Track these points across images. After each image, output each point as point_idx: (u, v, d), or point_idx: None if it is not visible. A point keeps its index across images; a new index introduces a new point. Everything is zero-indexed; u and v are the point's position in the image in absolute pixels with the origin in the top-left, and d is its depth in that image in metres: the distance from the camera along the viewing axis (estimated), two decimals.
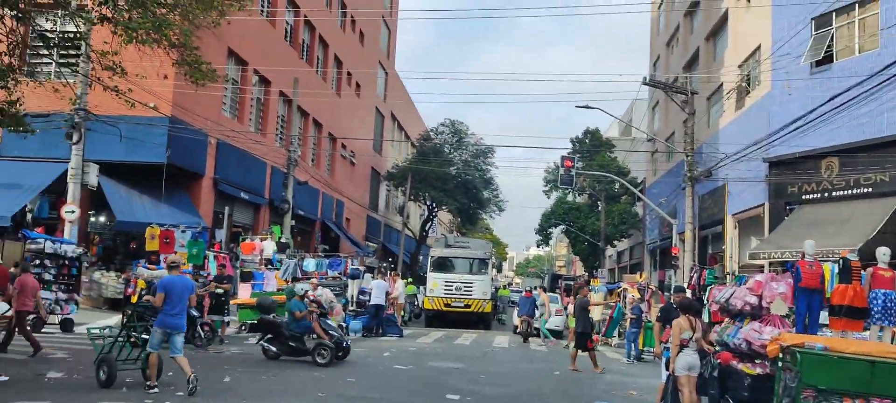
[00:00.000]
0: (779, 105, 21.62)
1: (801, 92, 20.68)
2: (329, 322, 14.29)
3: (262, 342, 13.72)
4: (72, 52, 17.81)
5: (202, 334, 14.98)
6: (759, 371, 8.74)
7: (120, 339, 9.88)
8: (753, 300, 9.21)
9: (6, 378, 9.58)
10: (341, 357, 13.51)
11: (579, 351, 14.90)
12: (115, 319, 17.40)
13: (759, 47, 24.20)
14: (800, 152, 20.39)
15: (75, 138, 18.89)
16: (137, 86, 15.07)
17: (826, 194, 20.07)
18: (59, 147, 19.94)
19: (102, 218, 23.11)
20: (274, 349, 13.50)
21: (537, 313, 23.25)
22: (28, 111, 14.38)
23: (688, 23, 35.59)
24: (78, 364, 11.21)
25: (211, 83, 14.19)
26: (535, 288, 28.06)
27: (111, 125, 18.97)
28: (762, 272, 13.65)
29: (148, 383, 9.31)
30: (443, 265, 27.30)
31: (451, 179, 43.34)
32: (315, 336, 13.40)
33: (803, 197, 20.78)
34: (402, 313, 25.57)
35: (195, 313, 14.78)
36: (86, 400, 8.29)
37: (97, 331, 9.95)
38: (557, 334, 23.35)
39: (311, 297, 14.95)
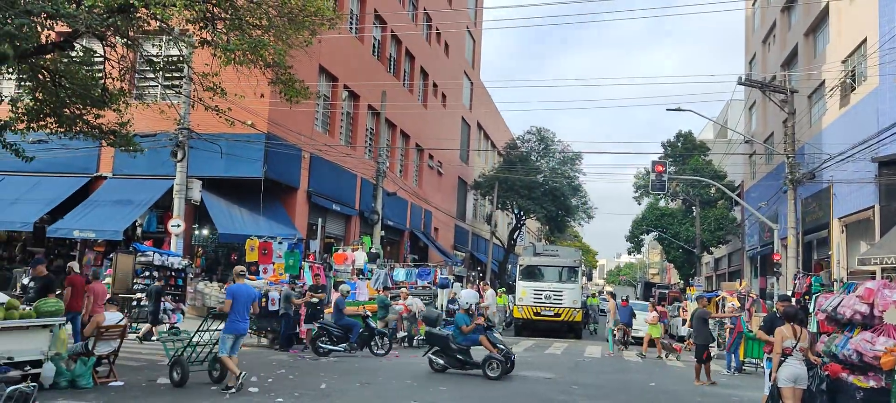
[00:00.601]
0: (888, 101, 20.31)
1: None
2: (495, 335, 14.19)
3: (429, 355, 13.76)
4: (176, 74, 18.89)
5: (378, 342, 16.11)
6: (872, 383, 8.22)
7: (192, 343, 10.59)
8: (864, 308, 8.66)
9: (122, 382, 10.22)
10: (509, 370, 13.25)
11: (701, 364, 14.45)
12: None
13: (864, 40, 22.83)
14: None
15: (179, 156, 19.99)
16: (236, 104, 15.81)
17: None
18: (165, 165, 21.16)
19: (206, 231, 24.30)
20: (441, 362, 13.49)
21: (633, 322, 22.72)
22: (137, 131, 15.35)
23: (785, 18, 34.01)
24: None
25: (304, 100, 14.69)
26: (601, 293, 27.39)
27: (212, 142, 19.97)
28: (873, 278, 12.84)
29: (227, 384, 9.97)
30: (531, 273, 27.08)
31: (538, 187, 43.02)
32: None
33: None
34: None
35: (372, 324, 16.13)
36: None
37: (166, 334, 10.58)
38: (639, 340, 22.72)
39: (475, 311, 15.17)
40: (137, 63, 16.01)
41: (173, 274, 17.62)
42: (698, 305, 16.06)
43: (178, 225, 20.10)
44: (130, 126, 14.35)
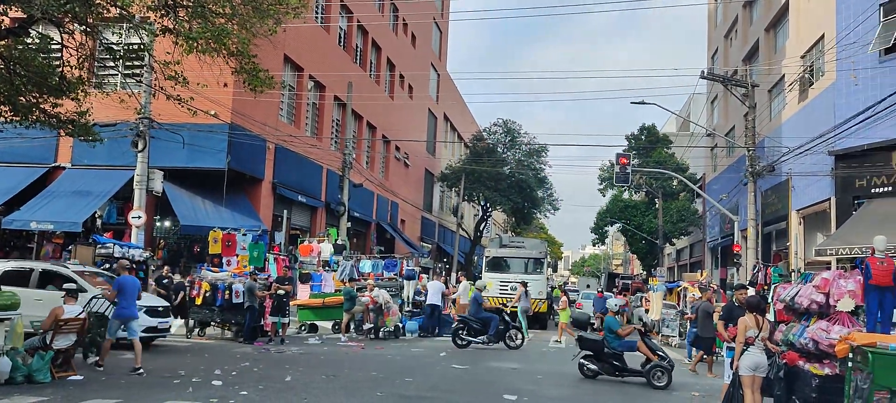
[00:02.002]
0: (845, 96, 20.83)
1: (868, 81, 19.89)
2: (652, 341, 13.41)
3: (579, 359, 13.04)
4: (136, 63, 18.49)
5: (512, 335, 16.88)
6: (827, 371, 8.46)
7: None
8: (820, 298, 8.90)
9: (81, 376, 10.02)
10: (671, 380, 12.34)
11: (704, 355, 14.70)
12: (180, 320, 17.98)
13: (822, 37, 23.36)
14: (868, 144, 19.60)
15: (140, 146, 19.60)
16: (199, 94, 15.54)
17: None
18: (125, 155, 20.73)
19: (167, 223, 23.91)
20: (593, 367, 12.83)
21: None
22: (96, 121, 14.99)
23: (747, 14, 34.63)
24: (147, 365, 11.63)
25: (268, 90, 14.51)
26: (566, 284, 27.91)
27: (174, 132, 19.62)
28: (829, 269, 13.20)
29: (135, 367, 10.57)
30: (498, 265, 27.25)
31: (504, 179, 43.22)
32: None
33: (872, 190, 19.97)
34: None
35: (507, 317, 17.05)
36: (154, 398, 8.59)
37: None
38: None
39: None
40: (96, 50, 15.62)
41: (134, 266, 17.27)
42: (703, 297, 15.90)
43: (139, 217, 19.72)
44: (89, 115, 14.00)
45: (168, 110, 16.87)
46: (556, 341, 20.78)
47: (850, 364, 7.32)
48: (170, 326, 15.07)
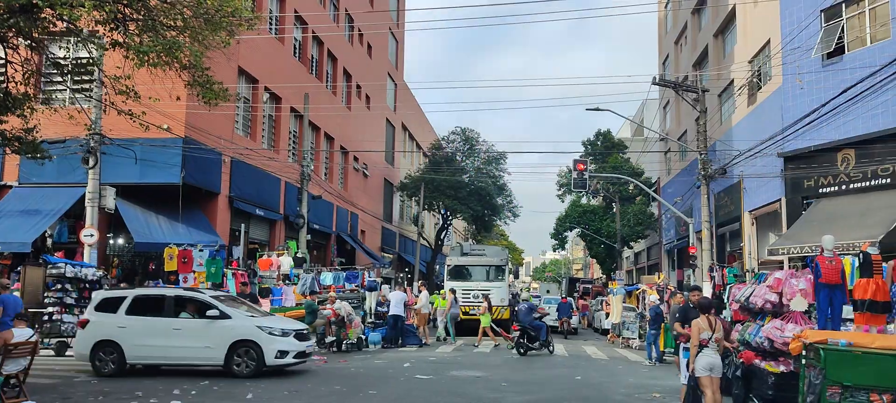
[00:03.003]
0: (791, 99, 21.48)
1: (813, 85, 20.54)
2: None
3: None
4: (85, 77, 18.04)
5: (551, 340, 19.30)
6: (782, 368, 8.68)
7: None
8: (774, 297, 9.14)
9: (33, 402, 9.69)
10: None
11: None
12: None
13: (768, 42, 24.06)
14: (815, 146, 20.23)
15: (91, 162, 19.11)
16: (151, 108, 15.23)
17: (843, 186, 19.89)
18: (75, 172, 20.18)
19: (121, 241, 23.33)
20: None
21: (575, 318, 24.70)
22: (44, 138, 14.58)
23: (696, 20, 35.46)
24: (103, 387, 11.32)
25: (223, 102, 14.30)
26: (529, 290, 28.43)
27: (126, 148, 19.18)
28: (782, 268, 13.56)
29: None
30: (459, 273, 27.28)
31: (464, 187, 43.34)
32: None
33: (820, 190, 20.60)
34: (444, 325, 24.32)
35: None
36: None
37: None
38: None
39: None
40: (43, 66, 15.20)
41: (88, 285, 16.80)
42: (675, 299, 16.06)
43: (92, 235, 19.20)
44: (37, 132, 13.62)
45: (119, 125, 16.51)
46: (475, 345, 21.54)
47: (803, 361, 7.52)
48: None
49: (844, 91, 17.15)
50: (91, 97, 18.12)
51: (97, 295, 14.38)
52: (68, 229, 22.22)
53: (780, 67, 22.10)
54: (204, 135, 22.67)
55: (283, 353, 13.16)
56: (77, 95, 16.86)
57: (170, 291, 14.59)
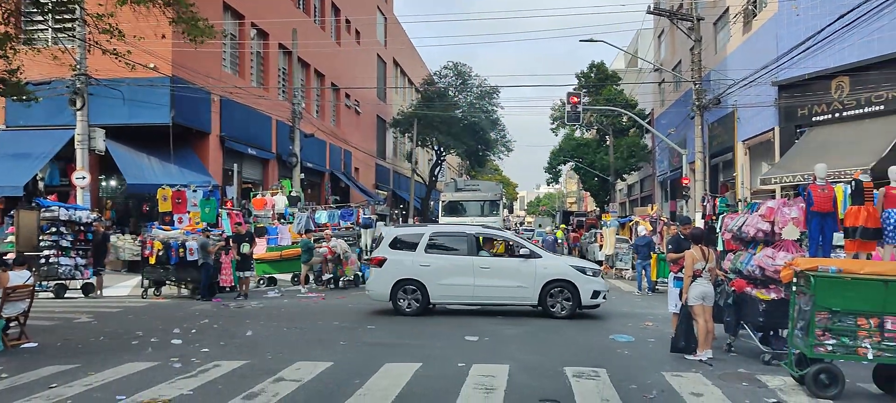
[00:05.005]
0: (786, 26, 21.21)
1: (809, 11, 20.25)
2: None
3: None
4: (67, 16, 17.64)
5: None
6: (773, 296, 8.80)
7: None
8: (766, 226, 9.19)
9: (35, 344, 9.79)
10: None
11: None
12: (134, 280, 17.68)
13: None
14: (809, 74, 20.09)
15: (79, 104, 18.87)
16: (136, 47, 14.92)
17: (837, 115, 19.84)
18: (64, 113, 19.95)
19: (113, 183, 23.26)
20: None
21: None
22: (29, 79, 14.34)
23: None
24: (103, 328, 11.44)
25: (209, 40, 14.01)
26: (523, 224, 28.51)
27: (113, 88, 18.93)
28: (774, 198, 13.62)
29: None
30: (454, 209, 27.42)
31: (457, 122, 43.11)
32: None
33: (814, 119, 20.57)
34: None
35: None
36: (113, 361, 8.47)
37: None
38: None
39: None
40: (23, 5, 14.81)
41: (82, 228, 16.80)
42: (671, 230, 16.09)
43: (84, 178, 19.12)
44: (21, 73, 13.36)
45: (105, 65, 16.20)
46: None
47: (794, 288, 7.62)
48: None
49: (840, 17, 16.92)
50: (74, 37, 17.76)
51: (389, 232, 14.09)
52: (60, 171, 22.11)
53: None
54: (192, 74, 22.36)
55: (596, 294, 12.96)
56: (60, 35, 16.48)
57: (470, 228, 14.29)
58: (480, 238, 13.89)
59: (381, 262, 13.32)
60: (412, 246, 13.34)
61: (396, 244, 13.51)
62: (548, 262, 13.23)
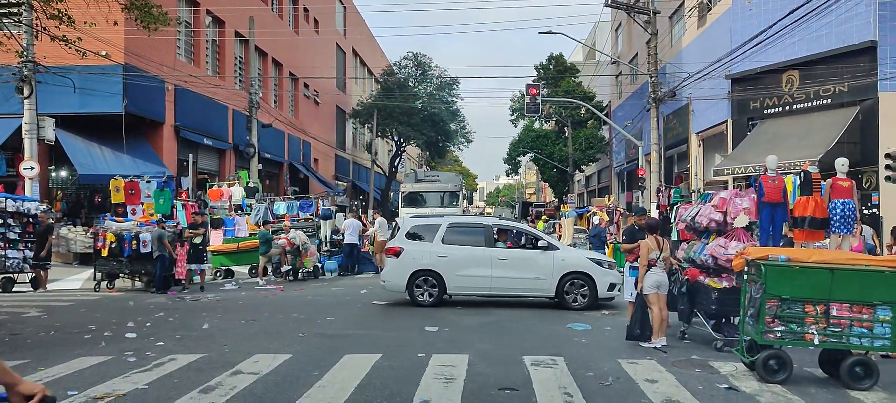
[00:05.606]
0: (740, 20, 21.70)
1: (761, 5, 20.75)
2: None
3: None
4: (13, 0, 17.03)
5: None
6: (725, 284, 9.03)
7: None
8: (718, 217, 9.42)
9: None
10: None
11: None
12: (86, 273, 17.24)
13: None
14: (761, 67, 20.60)
15: (26, 92, 18.28)
16: (87, 34, 14.52)
17: (787, 108, 20.40)
18: (10, 101, 19.30)
19: (64, 173, 22.62)
20: None
21: None
22: None
23: None
24: (54, 322, 11.14)
25: (163, 27, 13.72)
26: (482, 214, 28.52)
27: (63, 77, 18.35)
28: (726, 188, 13.95)
29: None
30: (414, 200, 27.40)
31: (417, 113, 43.04)
32: None
33: (765, 111, 21.11)
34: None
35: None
36: (65, 356, 8.26)
37: None
38: None
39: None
40: None
41: (31, 220, 16.29)
42: (629, 220, 16.23)
43: (32, 168, 18.54)
44: None
45: (55, 52, 15.74)
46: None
47: (745, 276, 7.83)
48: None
49: (790, 12, 17.38)
50: (21, 22, 17.16)
51: (406, 223, 13.97)
52: (6, 162, 21.41)
53: None
54: (145, 62, 21.85)
55: (612, 286, 12.91)
56: (4, 20, 15.91)
57: (488, 220, 14.32)
58: (496, 229, 13.85)
59: (398, 252, 13.25)
60: (429, 238, 13.31)
61: (413, 234, 13.49)
62: (565, 254, 13.35)
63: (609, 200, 28.22)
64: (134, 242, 15.57)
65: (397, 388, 6.87)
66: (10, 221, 15.68)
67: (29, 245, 16.04)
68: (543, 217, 26.06)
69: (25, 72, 18.12)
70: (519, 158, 52.74)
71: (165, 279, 15.65)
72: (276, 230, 19.58)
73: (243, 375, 7.32)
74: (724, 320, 9.46)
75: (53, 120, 19.48)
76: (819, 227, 9.39)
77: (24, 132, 18.70)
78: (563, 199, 44.14)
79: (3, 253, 15.42)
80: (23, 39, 17.49)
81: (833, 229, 9.34)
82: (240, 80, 30.24)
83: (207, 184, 24.95)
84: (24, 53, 17.71)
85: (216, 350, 8.70)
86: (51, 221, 17.54)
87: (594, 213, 23.85)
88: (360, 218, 23.25)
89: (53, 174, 22.61)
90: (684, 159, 28.20)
